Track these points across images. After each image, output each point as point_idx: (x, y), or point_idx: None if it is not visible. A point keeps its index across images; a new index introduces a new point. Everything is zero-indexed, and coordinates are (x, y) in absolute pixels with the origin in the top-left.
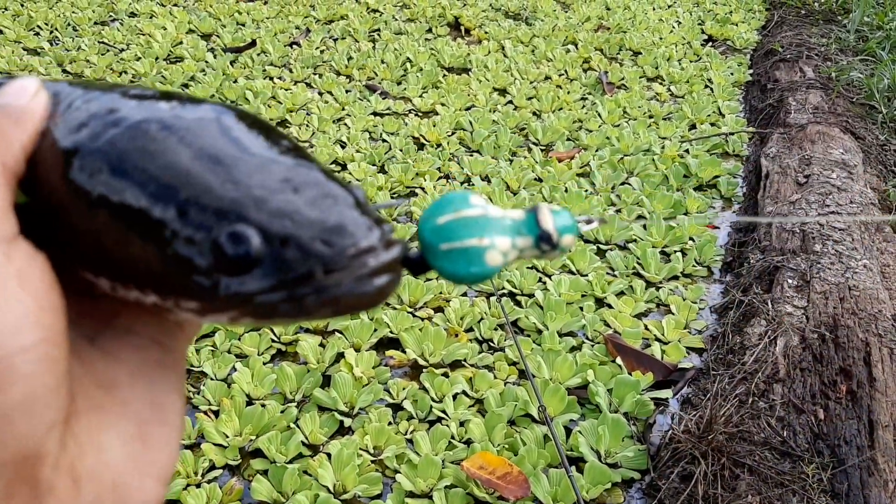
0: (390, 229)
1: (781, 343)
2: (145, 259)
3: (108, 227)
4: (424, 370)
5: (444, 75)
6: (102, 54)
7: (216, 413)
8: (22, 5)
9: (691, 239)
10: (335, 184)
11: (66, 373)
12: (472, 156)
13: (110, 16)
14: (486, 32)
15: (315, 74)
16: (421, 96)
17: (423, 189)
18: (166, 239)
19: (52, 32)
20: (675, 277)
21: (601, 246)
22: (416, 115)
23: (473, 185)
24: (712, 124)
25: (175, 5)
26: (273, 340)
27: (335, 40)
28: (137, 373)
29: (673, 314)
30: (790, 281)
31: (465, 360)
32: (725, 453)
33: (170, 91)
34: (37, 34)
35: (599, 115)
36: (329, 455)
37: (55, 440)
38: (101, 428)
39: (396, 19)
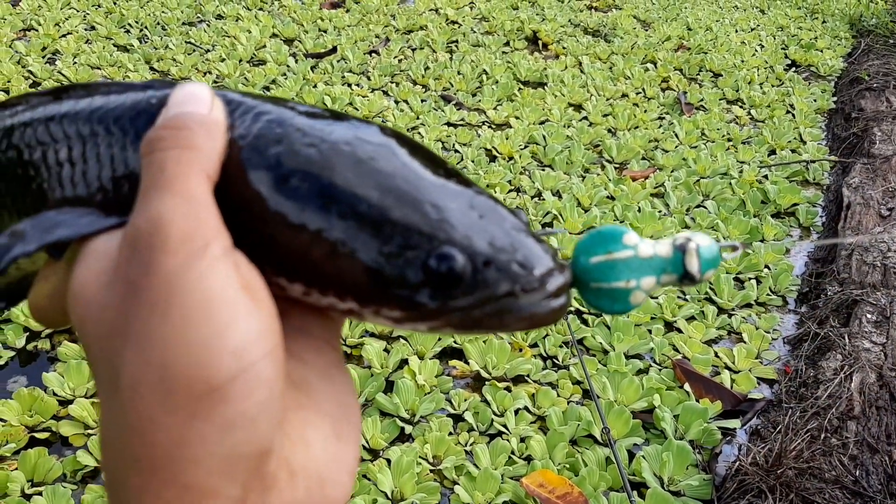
0: (557, 252)
1: (857, 379)
2: (352, 271)
3: (314, 241)
4: (487, 383)
5: (520, 88)
6: (189, 54)
7: None
8: (114, 3)
9: (767, 267)
10: (507, 210)
11: (284, 378)
12: (543, 170)
13: (198, 17)
14: (563, 48)
15: (392, 83)
16: (495, 108)
17: None
18: (377, 255)
19: (141, 31)
20: (749, 305)
21: None
22: (489, 126)
23: (544, 199)
24: (793, 151)
25: (260, 10)
26: None
27: (413, 50)
28: (324, 374)
29: (744, 343)
30: (869, 316)
31: (528, 376)
32: (794, 489)
33: (339, 112)
34: (127, 31)
35: (676, 135)
36: (389, 461)
37: (279, 437)
38: (305, 426)
39: (475, 31)
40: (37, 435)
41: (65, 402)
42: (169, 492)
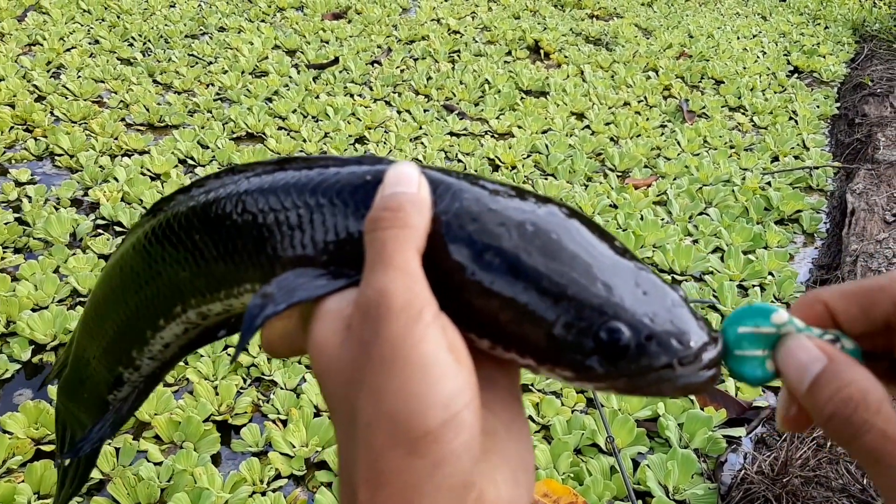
0: (713, 329)
1: None
2: (535, 334)
3: (503, 307)
4: None
5: (522, 98)
6: (192, 66)
7: (284, 423)
8: (118, 17)
9: (770, 274)
10: (667, 286)
11: (480, 424)
12: (546, 179)
13: (200, 29)
14: (565, 56)
15: (394, 93)
16: (498, 118)
17: None
18: (555, 324)
19: (145, 44)
20: None
21: (676, 276)
22: (492, 136)
23: None
24: (796, 157)
25: (262, 21)
26: None
27: (415, 60)
28: (508, 425)
29: None
30: None
31: (532, 385)
32: (801, 498)
33: (521, 188)
34: (131, 45)
35: (679, 143)
36: None
37: (477, 474)
38: (494, 468)
39: (476, 41)
40: (43, 447)
41: None
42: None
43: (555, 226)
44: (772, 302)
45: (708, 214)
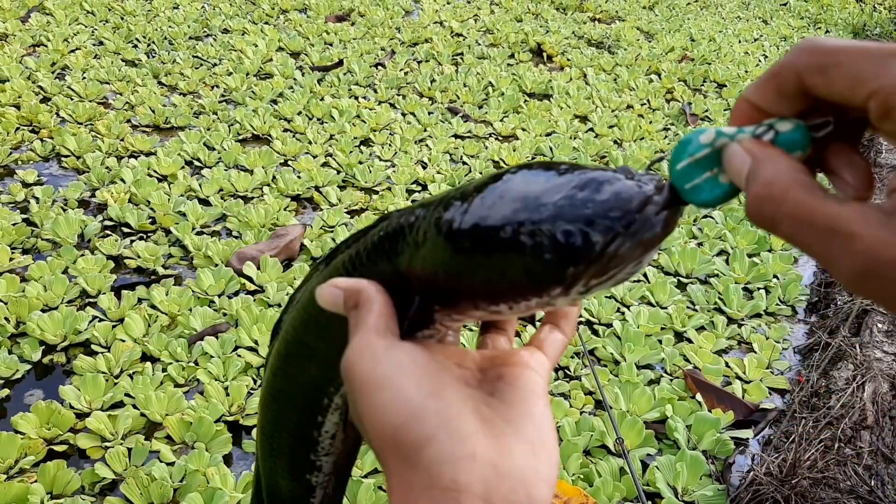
0: (659, 178)
1: (870, 389)
2: (517, 282)
3: (489, 280)
4: None
5: (526, 101)
6: (196, 68)
7: None
8: (122, 18)
9: (775, 277)
10: (605, 172)
11: (467, 399)
12: None
13: (204, 31)
14: (568, 59)
15: (399, 95)
16: (502, 120)
17: None
18: (521, 259)
19: (149, 45)
20: (758, 315)
21: (682, 279)
22: (496, 139)
23: None
24: None
25: (266, 23)
26: None
27: (419, 62)
28: (525, 413)
29: (755, 353)
30: (880, 325)
31: None
32: (809, 499)
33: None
34: (135, 46)
35: None
36: None
37: (480, 446)
38: (510, 445)
39: (479, 44)
40: (55, 448)
41: (81, 415)
42: (404, 477)
43: (495, 188)
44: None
45: (712, 217)
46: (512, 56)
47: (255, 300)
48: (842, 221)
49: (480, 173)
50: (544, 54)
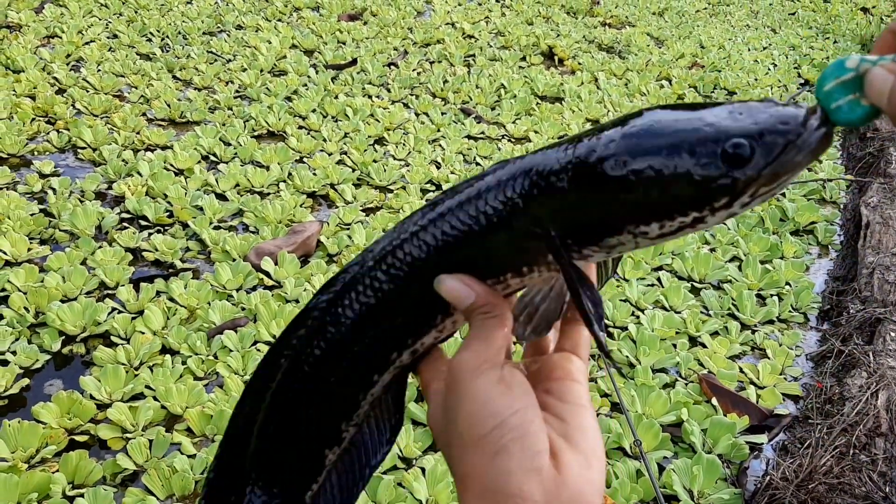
0: (809, 106)
1: (883, 397)
2: (683, 192)
3: (650, 191)
4: None
5: (538, 103)
6: (211, 63)
7: None
8: (136, 12)
9: (788, 284)
10: (759, 103)
11: (540, 422)
12: None
13: (218, 27)
14: (579, 63)
15: (412, 95)
16: (514, 122)
17: None
18: (692, 172)
19: (163, 39)
20: (771, 322)
21: (696, 284)
22: (509, 140)
23: None
24: (809, 169)
25: (279, 21)
26: None
27: (431, 63)
28: (578, 427)
29: (768, 358)
30: (893, 334)
31: None
32: None
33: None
34: (149, 40)
35: None
36: (423, 469)
37: (545, 461)
38: (568, 459)
39: (491, 46)
40: (76, 438)
41: (102, 406)
42: (472, 491)
43: (649, 119)
44: (788, 303)
45: (725, 224)
46: (524, 59)
47: (273, 295)
48: None
49: None
50: (556, 57)
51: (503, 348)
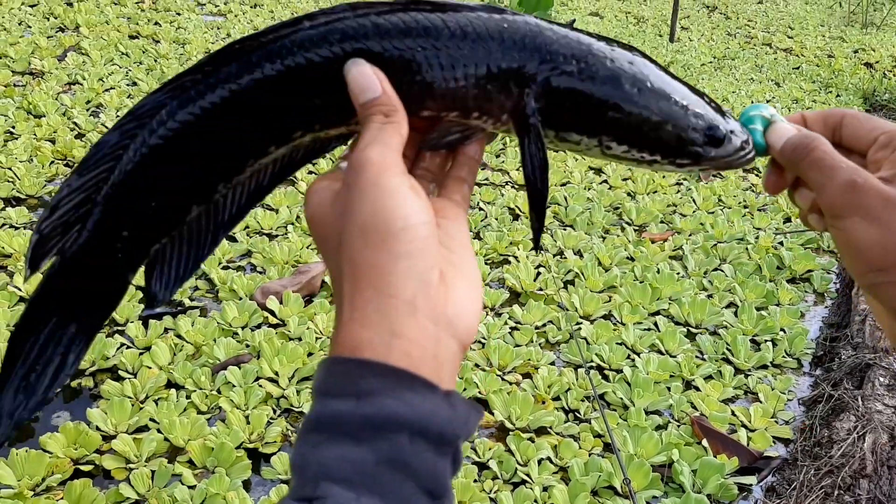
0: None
1: (870, 440)
2: (666, 137)
3: (648, 123)
4: (511, 433)
5: None
6: None
7: None
8: (155, 60)
9: (782, 330)
10: (713, 102)
11: (437, 240)
12: (565, 230)
13: None
14: None
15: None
16: (518, 170)
17: (516, 258)
18: (682, 127)
19: None
20: (765, 367)
21: (692, 329)
22: (512, 186)
23: (566, 258)
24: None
25: None
26: None
27: None
28: (464, 257)
29: (760, 402)
30: (882, 379)
31: (550, 428)
32: None
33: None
34: None
35: (694, 200)
36: None
37: (436, 276)
38: (455, 275)
39: None
40: (81, 467)
41: (107, 438)
42: (367, 292)
43: (657, 73)
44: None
45: (722, 270)
46: None
47: (276, 333)
48: (849, 160)
49: (497, 219)
50: None
51: (402, 160)
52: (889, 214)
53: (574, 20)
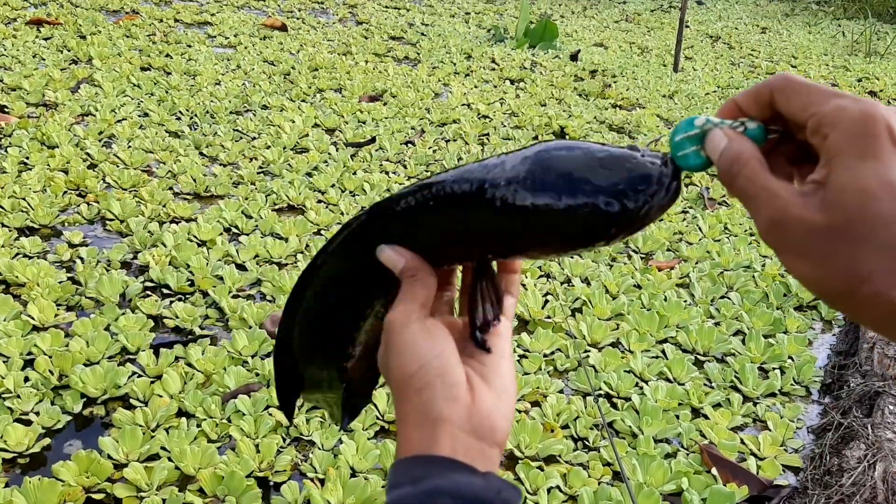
0: (660, 154)
1: (880, 468)
2: (559, 241)
3: (537, 236)
4: (520, 461)
5: None
6: (236, 141)
7: (322, 482)
8: (167, 92)
9: (790, 358)
10: (622, 151)
11: (457, 361)
12: (572, 259)
13: (244, 107)
14: None
15: (427, 171)
16: None
17: (524, 286)
18: (584, 219)
19: (192, 118)
20: (773, 395)
21: (699, 357)
22: None
23: (573, 285)
24: None
25: (303, 101)
26: (377, 418)
27: (447, 141)
28: (493, 368)
29: (770, 430)
30: (892, 407)
31: (560, 456)
32: None
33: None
34: (178, 119)
35: (700, 228)
36: None
37: (462, 391)
38: (482, 393)
39: (505, 125)
40: (93, 496)
41: (119, 466)
42: (408, 408)
43: (541, 160)
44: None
45: (729, 298)
46: (535, 138)
47: None
48: (773, 185)
49: None
50: (567, 137)
51: (426, 306)
52: (818, 247)
53: (579, 50)
